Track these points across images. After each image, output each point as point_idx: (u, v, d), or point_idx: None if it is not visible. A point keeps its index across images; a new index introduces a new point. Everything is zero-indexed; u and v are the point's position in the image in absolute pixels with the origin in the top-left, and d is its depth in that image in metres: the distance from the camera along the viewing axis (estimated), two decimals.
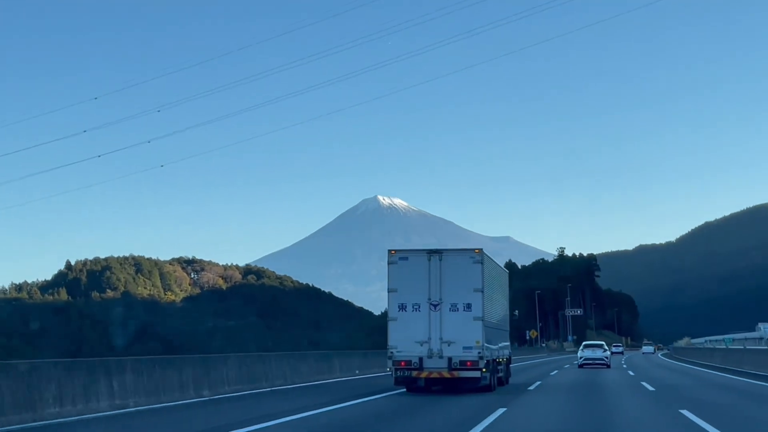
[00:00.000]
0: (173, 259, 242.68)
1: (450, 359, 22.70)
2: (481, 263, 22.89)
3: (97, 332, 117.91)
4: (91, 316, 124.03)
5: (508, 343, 30.45)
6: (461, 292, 22.84)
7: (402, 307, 23.17)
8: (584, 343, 54.23)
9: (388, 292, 23.47)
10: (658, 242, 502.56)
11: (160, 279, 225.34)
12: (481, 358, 22.62)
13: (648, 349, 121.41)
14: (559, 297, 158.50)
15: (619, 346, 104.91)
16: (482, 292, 22.78)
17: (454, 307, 22.84)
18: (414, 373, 22.84)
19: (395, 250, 23.61)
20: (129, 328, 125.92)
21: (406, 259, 23.42)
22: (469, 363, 22.65)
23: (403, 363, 23.02)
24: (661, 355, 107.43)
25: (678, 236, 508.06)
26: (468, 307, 22.79)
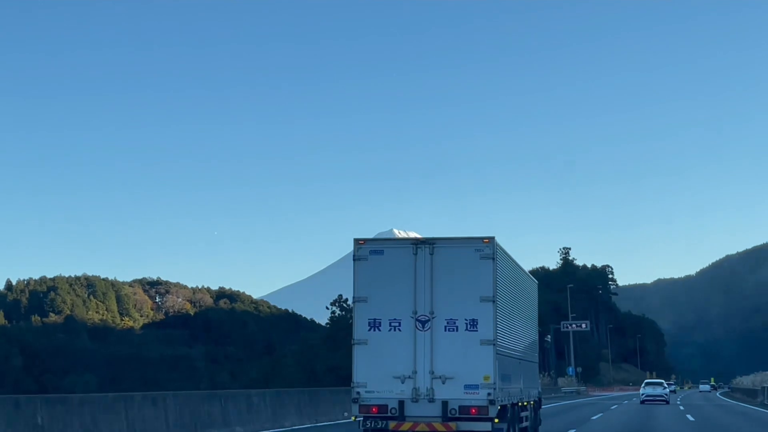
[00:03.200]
0: (135, 281, 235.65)
1: (445, 404, 16.61)
2: (493, 259, 16.83)
3: (25, 362, 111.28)
4: (23, 344, 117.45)
5: (537, 380, 24.33)
6: (463, 301, 16.80)
7: (374, 325, 17.09)
8: (645, 381, 69.49)
9: (354, 302, 17.37)
10: (677, 276, 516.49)
11: (117, 302, 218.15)
12: (492, 402, 16.51)
13: (705, 387, 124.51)
14: (563, 314, 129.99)
15: (671, 384, 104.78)
16: (494, 302, 16.72)
17: (451, 325, 16.78)
18: (391, 425, 16.75)
19: (364, 240, 17.50)
20: (68, 358, 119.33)
21: (380, 252, 17.34)
22: (473, 410, 16.55)
23: (374, 409, 16.90)
24: (720, 394, 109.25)
25: (698, 270, 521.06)
26: (473, 324, 16.72)
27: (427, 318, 16.86)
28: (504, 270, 17.73)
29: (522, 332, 20.83)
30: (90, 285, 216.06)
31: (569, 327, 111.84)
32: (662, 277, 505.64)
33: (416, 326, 16.88)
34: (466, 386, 16.58)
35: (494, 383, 16.51)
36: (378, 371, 16.92)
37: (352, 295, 17.38)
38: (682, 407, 52.70)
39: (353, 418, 17.09)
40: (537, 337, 24.85)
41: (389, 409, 16.81)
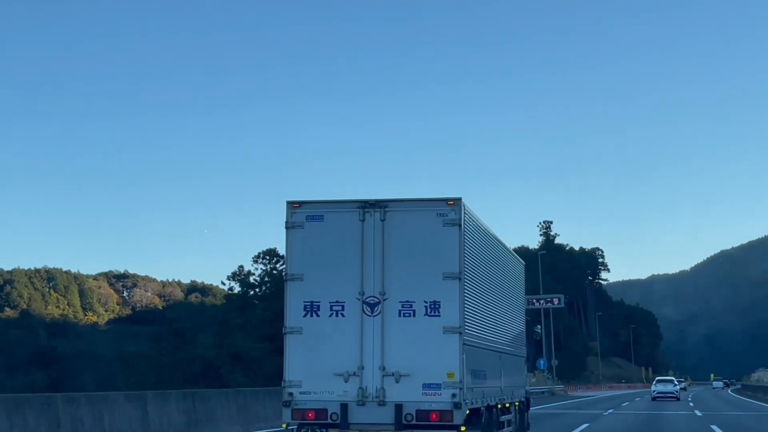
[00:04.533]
0: (100, 274, 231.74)
1: (399, 408, 13.70)
2: (459, 226, 13.92)
3: None
4: None
5: (523, 377, 21.58)
6: (422, 279, 13.90)
7: (311, 310, 14.15)
8: (657, 378, 74.68)
9: (286, 280, 14.41)
10: (671, 271, 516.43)
11: (80, 296, 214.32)
12: (457, 405, 13.60)
13: (718, 384, 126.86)
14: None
15: (681, 381, 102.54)
16: (460, 279, 13.81)
17: (407, 309, 13.88)
18: None
19: (299, 202, 14.51)
20: (14, 355, 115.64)
21: (319, 218, 14.37)
22: (434, 415, 13.65)
23: (311, 414, 13.98)
24: (732, 391, 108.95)
25: (693, 265, 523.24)
26: (434, 308, 13.81)
27: (377, 300, 13.94)
28: (474, 240, 14.81)
29: (502, 319, 17.98)
30: (50, 278, 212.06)
31: (538, 303, 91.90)
32: (656, 273, 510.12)
33: (364, 310, 13.96)
34: (426, 385, 13.68)
35: (461, 381, 13.61)
36: (316, 367, 13.99)
37: (284, 272, 14.43)
38: (699, 413, 41.98)
39: (284, 425, 14.14)
40: (524, 327, 22.00)
41: (329, 414, 13.89)
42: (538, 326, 25.20)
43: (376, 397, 13.76)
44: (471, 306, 14.37)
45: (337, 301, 14.07)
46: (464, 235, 14.03)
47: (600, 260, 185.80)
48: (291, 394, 14.00)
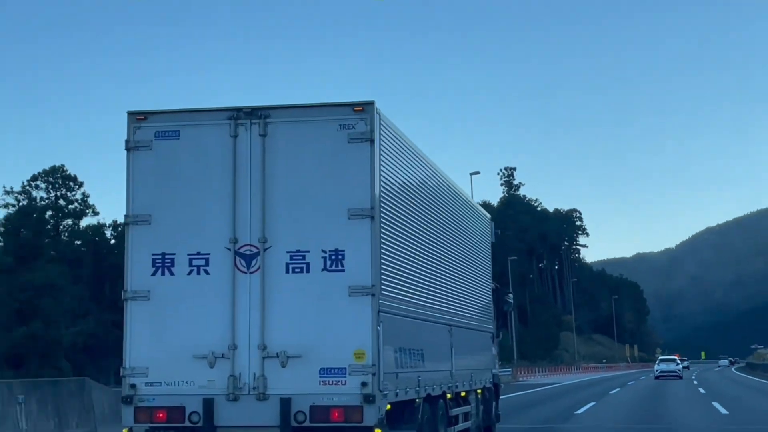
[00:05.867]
0: None
1: (286, 403, 9.80)
2: (371, 141, 9.97)
3: None
4: None
5: (490, 357, 18.19)
6: (318, 219, 9.99)
7: (162, 265, 10.20)
8: (660, 357, 77.00)
9: (126, 224, 10.41)
10: (656, 250, 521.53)
11: None
12: (369, 398, 9.70)
13: (724, 362, 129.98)
14: (517, 268, 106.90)
15: (684, 360, 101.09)
16: (373, 218, 9.88)
17: (297, 261, 9.97)
18: None
19: (144, 113, 10.46)
20: None
21: (173, 135, 10.37)
22: (336, 413, 9.75)
23: (161, 414, 10.04)
24: (736, 369, 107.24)
25: (678, 243, 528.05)
26: (336, 259, 9.90)
27: (255, 250, 10.01)
28: (396, 163, 10.85)
29: (452, 281, 14.15)
30: None
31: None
32: (642, 251, 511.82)
33: (236, 265, 10.03)
34: (325, 371, 9.78)
35: (374, 364, 9.71)
36: (168, 347, 10.06)
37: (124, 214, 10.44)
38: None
39: (125, 430, 10.19)
40: (490, 295, 18.17)
41: (188, 414, 9.97)
42: (510, 295, 21.07)
43: (254, 388, 9.85)
44: (392, 257, 10.45)
45: (198, 253, 10.13)
46: (380, 154, 10.10)
47: (578, 223, 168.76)
48: (133, 386, 10.05)
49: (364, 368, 9.70)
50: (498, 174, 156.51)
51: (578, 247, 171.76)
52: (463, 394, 14.93)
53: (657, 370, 69.28)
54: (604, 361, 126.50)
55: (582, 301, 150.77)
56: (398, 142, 10.90)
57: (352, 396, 9.69)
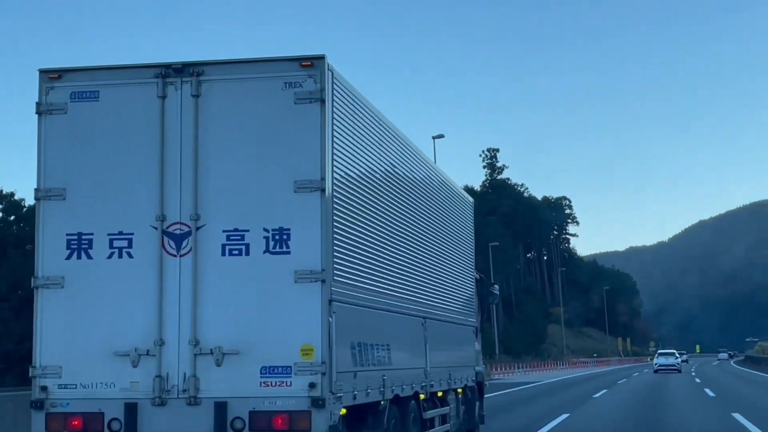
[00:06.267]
0: None
1: (221, 408, 8.42)
2: (322, 101, 8.58)
3: None
4: None
5: (471, 353, 16.77)
6: (260, 192, 8.62)
7: (78, 247, 8.80)
8: (659, 351, 78.55)
9: (37, 199, 9.00)
10: (649, 243, 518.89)
11: None
12: (317, 402, 8.32)
13: (723, 355, 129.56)
14: (501, 256, 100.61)
15: (683, 354, 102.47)
16: (323, 191, 8.50)
17: (235, 242, 8.61)
18: None
19: (58, 71, 9.04)
20: None
21: (92, 96, 8.96)
22: (279, 419, 8.39)
23: (76, 421, 8.67)
24: (735, 363, 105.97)
25: (671, 236, 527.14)
26: (280, 239, 8.54)
27: (186, 230, 8.64)
28: (352, 127, 9.44)
29: (427, 267, 12.81)
30: None
31: None
32: (634, 245, 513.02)
33: (165, 246, 8.65)
34: (267, 370, 8.42)
35: (324, 361, 8.35)
36: (85, 342, 8.67)
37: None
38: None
39: None
40: (473, 286, 16.81)
41: (107, 420, 8.60)
42: (496, 286, 19.61)
43: (185, 390, 8.48)
44: (347, 237, 9.08)
45: (120, 233, 8.75)
46: (333, 117, 8.73)
47: (567, 211, 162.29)
48: (44, 388, 8.67)
49: (312, 367, 8.34)
50: (480, 156, 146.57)
51: (568, 236, 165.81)
52: (440, 394, 13.61)
53: (656, 364, 71.53)
54: (595, 355, 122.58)
55: (572, 293, 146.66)
56: (354, 104, 9.51)
57: (298, 399, 8.33)
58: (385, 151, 10.73)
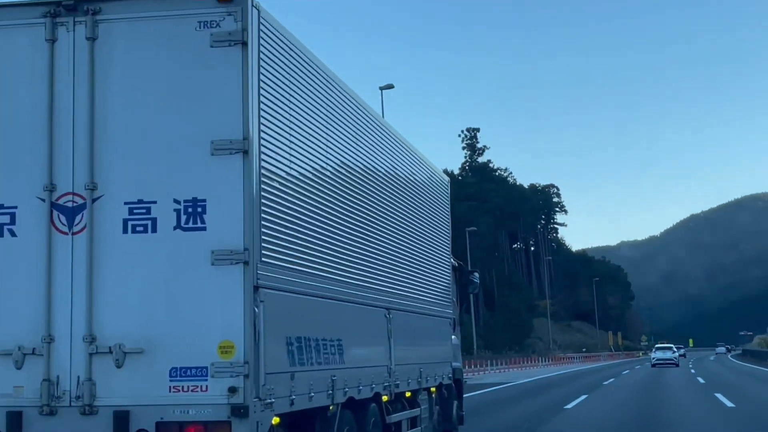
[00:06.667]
0: None
1: (122, 419, 6.92)
2: (243, 44, 7.07)
3: None
4: None
5: (446, 348, 14.74)
6: (169, 156, 7.13)
7: None
8: (656, 346, 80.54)
9: None
10: (641, 237, 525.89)
11: None
12: (240, 411, 6.82)
13: (721, 349, 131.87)
14: (481, 243, 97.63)
15: (681, 348, 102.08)
16: (246, 152, 7.00)
17: (140, 217, 7.11)
18: None
19: None
20: None
21: None
22: (192, 431, 6.89)
23: None
24: (732, 356, 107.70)
25: (662, 230, 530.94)
26: (194, 213, 7.05)
27: (80, 202, 7.16)
28: (286, 78, 7.92)
29: (390, 250, 11.32)
30: None
31: None
32: (626, 239, 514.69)
33: (54, 222, 7.17)
34: (177, 372, 6.94)
35: (248, 360, 6.88)
36: None
37: None
38: None
39: None
40: (449, 274, 15.32)
41: None
42: (476, 274, 18.05)
43: (78, 397, 6.99)
44: (278, 210, 7.59)
45: (1, 206, 7.24)
46: (260, 64, 7.24)
47: (555, 199, 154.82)
48: None
49: (233, 367, 6.86)
50: (459, 136, 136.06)
51: (556, 225, 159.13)
52: (408, 394, 12.18)
53: (654, 358, 74.40)
54: (584, 350, 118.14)
55: (561, 285, 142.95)
56: (288, 49, 7.99)
57: (215, 407, 6.85)
58: (331, 109, 9.20)
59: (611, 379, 46.42)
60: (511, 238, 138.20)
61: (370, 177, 10.62)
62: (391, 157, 11.73)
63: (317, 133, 8.70)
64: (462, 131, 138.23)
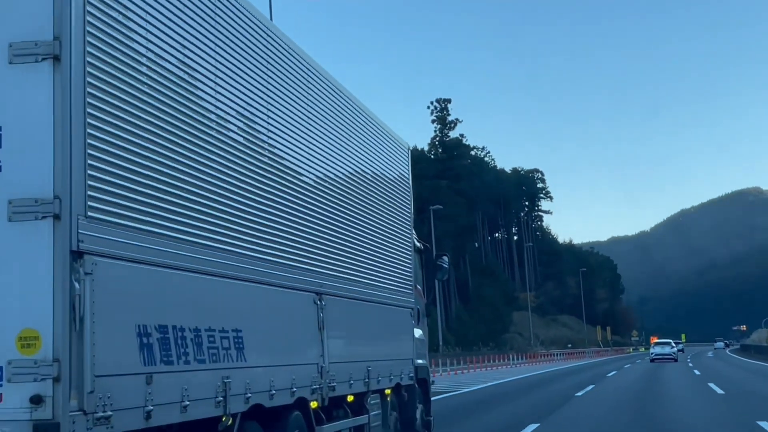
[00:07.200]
0: None
1: None
2: None
3: None
4: None
5: (408, 342, 12.84)
6: None
7: None
8: (655, 341, 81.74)
9: None
10: (631, 233, 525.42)
11: None
12: (44, 429, 4.71)
13: (719, 344, 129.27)
14: (452, 228, 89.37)
15: (679, 343, 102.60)
16: (56, 59, 4.87)
17: None
18: None
19: None
20: None
21: None
22: None
23: None
24: (730, 351, 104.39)
25: (652, 225, 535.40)
26: None
27: None
28: None
29: (320, 217, 9.19)
30: None
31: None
32: (616, 235, 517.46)
33: None
34: None
35: (59, 358, 4.78)
36: None
37: None
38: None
39: None
40: (410, 256, 13.17)
41: None
42: (445, 257, 15.69)
43: None
44: (121, 137, 5.45)
45: None
46: None
47: (540, 185, 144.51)
48: None
49: (37, 366, 4.76)
50: (428, 108, 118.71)
51: (541, 213, 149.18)
52: (350, 398, 10.17)
53: (652, 354, 76.03)
54: (569, 346, 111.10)
55: (546, 277, 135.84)
56: None
57: (13, 425, 4.76)
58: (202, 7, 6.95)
59: (591, 386, 32.03)
60: (491, 224, 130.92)
61: (283, 107, 8.45)
62: (307, 93, 9.35)
63: (181, 25, 6.47)
64: (431, 102, 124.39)
